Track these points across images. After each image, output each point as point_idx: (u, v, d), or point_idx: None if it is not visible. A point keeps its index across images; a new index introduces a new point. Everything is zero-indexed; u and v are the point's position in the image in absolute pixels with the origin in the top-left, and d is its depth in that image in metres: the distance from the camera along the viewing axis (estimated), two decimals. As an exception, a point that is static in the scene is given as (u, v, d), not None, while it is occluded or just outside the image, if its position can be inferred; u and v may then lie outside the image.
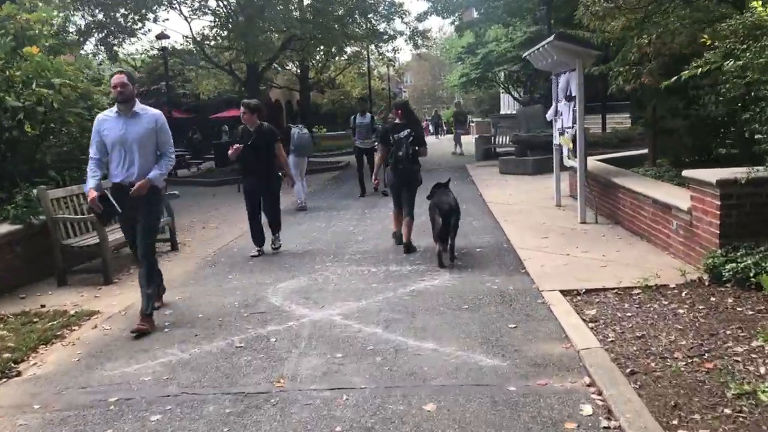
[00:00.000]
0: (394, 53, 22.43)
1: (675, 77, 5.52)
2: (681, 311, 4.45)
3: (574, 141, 8.13)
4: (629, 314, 4.52)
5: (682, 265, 5.56)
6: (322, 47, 21.74)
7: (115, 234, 6.70)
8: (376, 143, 11.81)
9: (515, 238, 7.40)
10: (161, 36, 19.27)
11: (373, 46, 23.71)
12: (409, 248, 7.01)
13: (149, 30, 23.23)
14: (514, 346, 4.07)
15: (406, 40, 22.69)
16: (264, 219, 7.54)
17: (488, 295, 5.23)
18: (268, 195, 7.39)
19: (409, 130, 7.04)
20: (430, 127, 49.71)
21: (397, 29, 22.59)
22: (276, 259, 7.14)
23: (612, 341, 4.03)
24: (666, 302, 4.70)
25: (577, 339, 4.08)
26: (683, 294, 4.85)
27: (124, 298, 5.88)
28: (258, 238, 7.45)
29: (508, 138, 18.20)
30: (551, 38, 7.86)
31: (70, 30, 19.00)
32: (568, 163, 8.78)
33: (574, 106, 7.99)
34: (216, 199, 13.45)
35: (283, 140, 11.60)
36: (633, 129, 17.42)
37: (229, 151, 7.27)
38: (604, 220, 8.10)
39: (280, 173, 7.55)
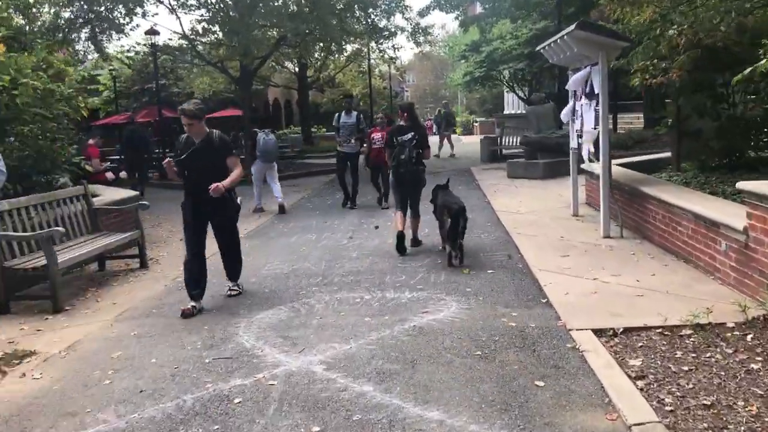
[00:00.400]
0: (395, 50, 21.16)
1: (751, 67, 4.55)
2: (754, 366, 3.51)
3: (596, 144, 7.19)
4: (685, 368, 3.57)
5: (737, 297, 4.62)
6: (320, 44, 20.83)
7: (65, 254, 5.79)
8: (362, 146, 10.55)
9: (531, 255, 6.46)
10: (151, 32, 18.33)
11: (373, 44, 22.75)
12: (417, 242, 7.28)
13: (138, 25, 22.46)
14: (544, 416, 3.13)
15: (407, 37, 21.72)
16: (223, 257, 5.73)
17: (505, 335, 4.29)
18: (222, 227, 5.53)
19: (413, 133, 6.97)
20: (434, 127, 49.16)
21: (399, 25, 21.57)
22: (254, 281, 6.21)
23: (672, 411, 3.09)
24: (729, 350, 3.76)
25: (625, 407, 3.13)
26: (748, 338, 3.91)
27: (70, 332, 4.96)
28: (194, 284, 5.33)
29: (515, 139, 17.25)
30: (572, 28, 6.91)
31: (61, 24, 18.09)
32: (590, 167, 7.82)
33: (597, 105, 7.06)
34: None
35: (252, 145, 11.04)
36: (657, 129, 16.34)
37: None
38: (630, 235, 7.15)
39: (239, 199, 5.71)
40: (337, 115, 11.08)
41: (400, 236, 6.85)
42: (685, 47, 7.24)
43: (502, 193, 11.26)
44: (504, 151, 17.69)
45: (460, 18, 20.68)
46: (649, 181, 7.38)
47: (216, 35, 16.61)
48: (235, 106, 30.91)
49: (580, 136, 7.92)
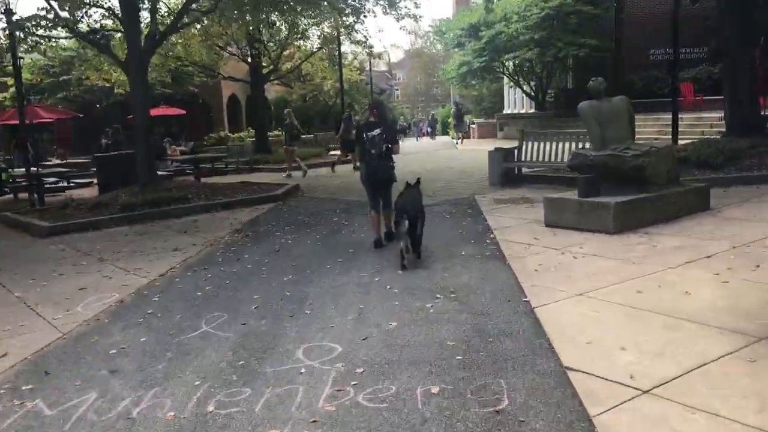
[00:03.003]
0: (359, 19, 15.08)
1: None
2: None
3: None
4: None
5: None
6: (265, 15, 14.98)
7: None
8: None
9: None
10: (0, -7, 12.36)
11: (340, 23, 16.90)
12: (390, 236, 7.20)
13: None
14: None
15: (384, 10, 15.90)
16: None
17: None
18: None
19: (380, 129, 7.03)
20: (429, 129, 46.50)
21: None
22: None
23: None
24: None
25: None
26: None
27: None
28: None
29: (540, 149, 11.44)
30: None
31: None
32: None
33: None
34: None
35: None
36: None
37: None
38: None
39: None
40: None
41: (378, 242, 7.11)
42: None
43: (552, 279, 5.38)
44: (524, 170, 11.92)
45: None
46: None
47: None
48: (170, 104, 25.12)
49: None
